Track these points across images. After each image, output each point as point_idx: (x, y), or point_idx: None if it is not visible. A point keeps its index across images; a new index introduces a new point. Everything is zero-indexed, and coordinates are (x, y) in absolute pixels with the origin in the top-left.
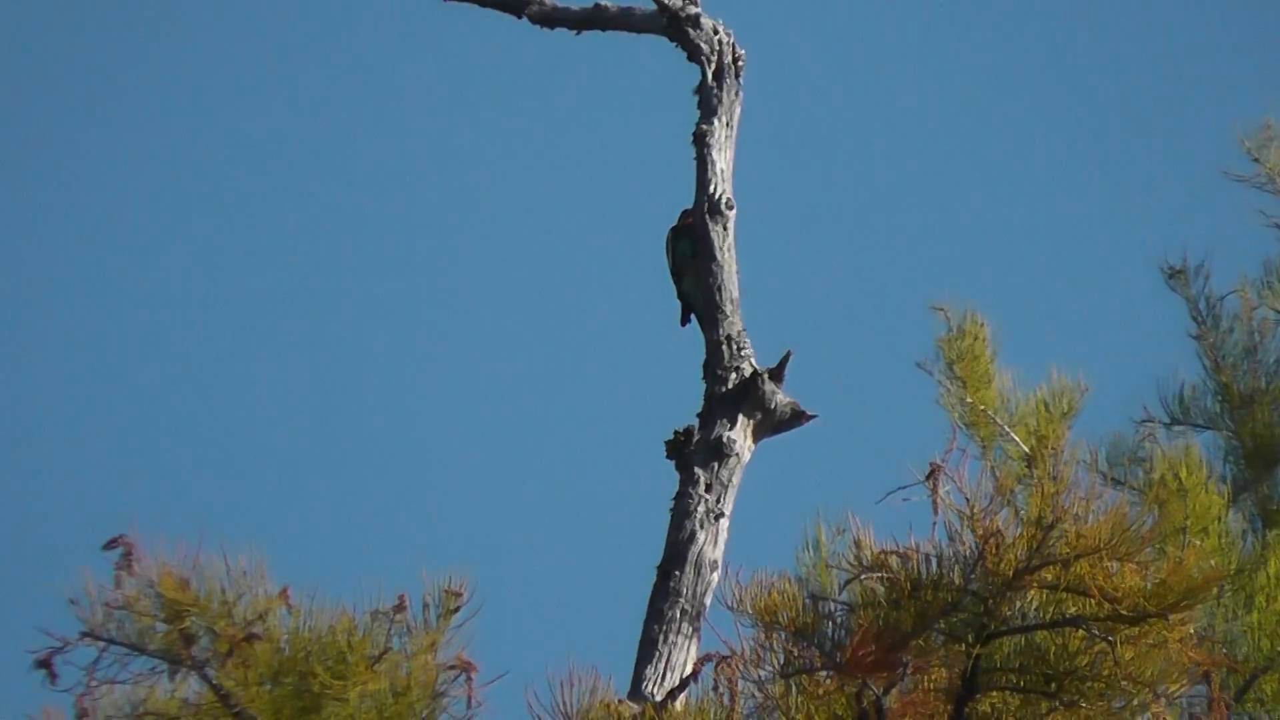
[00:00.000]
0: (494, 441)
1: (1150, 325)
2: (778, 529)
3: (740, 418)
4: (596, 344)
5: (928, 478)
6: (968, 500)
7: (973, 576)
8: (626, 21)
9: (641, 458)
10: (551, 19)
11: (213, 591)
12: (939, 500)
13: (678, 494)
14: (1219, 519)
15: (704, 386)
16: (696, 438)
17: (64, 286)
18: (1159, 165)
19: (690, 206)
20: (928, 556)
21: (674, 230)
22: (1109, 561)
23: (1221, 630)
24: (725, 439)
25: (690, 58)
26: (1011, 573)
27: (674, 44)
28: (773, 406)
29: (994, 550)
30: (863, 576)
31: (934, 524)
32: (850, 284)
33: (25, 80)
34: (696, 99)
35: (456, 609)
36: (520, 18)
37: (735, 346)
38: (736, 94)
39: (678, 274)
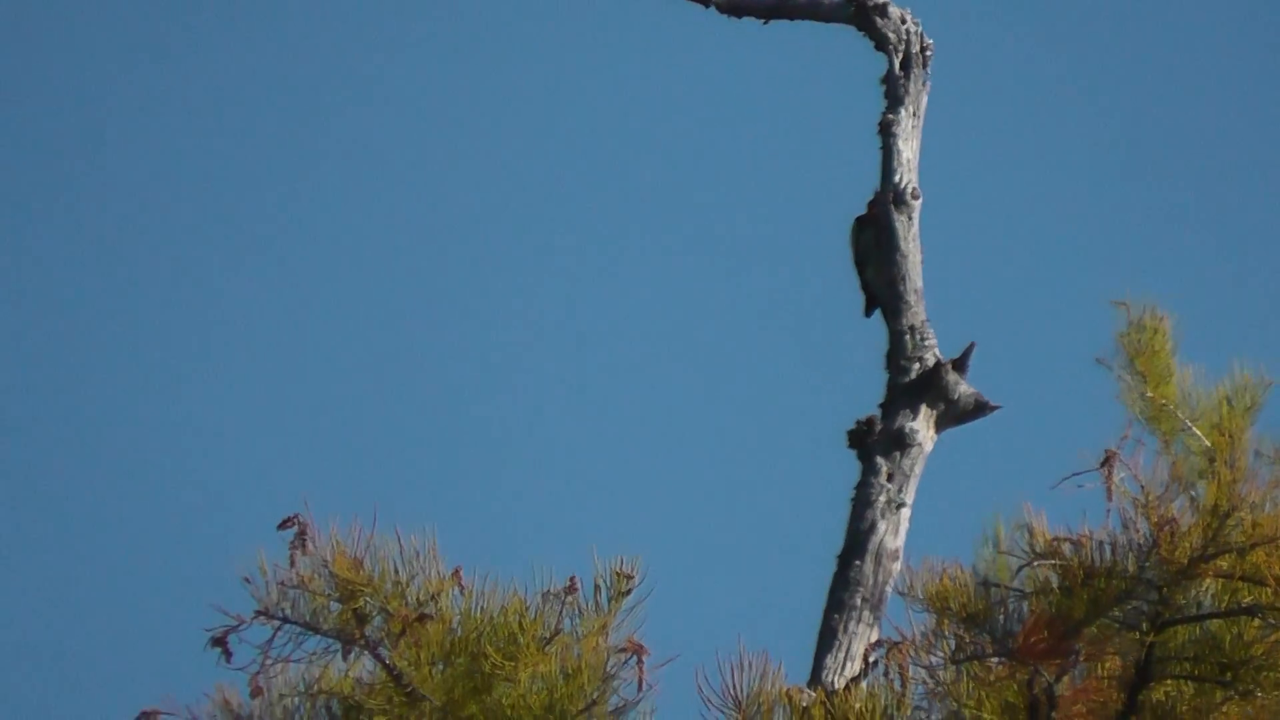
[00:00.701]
0: (677, 428)
1: None
2: (959, 520)
3: (923, 408)
4: (781, 332)
5: (1102, 465)
6: (1143, 488)
7: (1147, 564)
8: (814, 10)
9: (825, 447)
10: (739, 8)
11: (385, 572)
12: (1113, 488)
13: (859, 483)
14: None
15: (887, 376)
16: (879, 428)
17: (248, 286)
18: None
19: (876, 195)
20: (1101, 544)
21: (859, 220)
22: None
23: None
24: (908, 429)
25: (877, 47)
26: (1186, 561)
27: (861, 33)
28: (956, 397)
29: (1169, 538)
30: (1035, 563)
31: (1108, 512)
32: (1033, 275)
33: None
34: (883, 88)
35: (628, 591)
36: (708, 6)
37: (919, 337)
38: (924, 83)
39: (861, 263)
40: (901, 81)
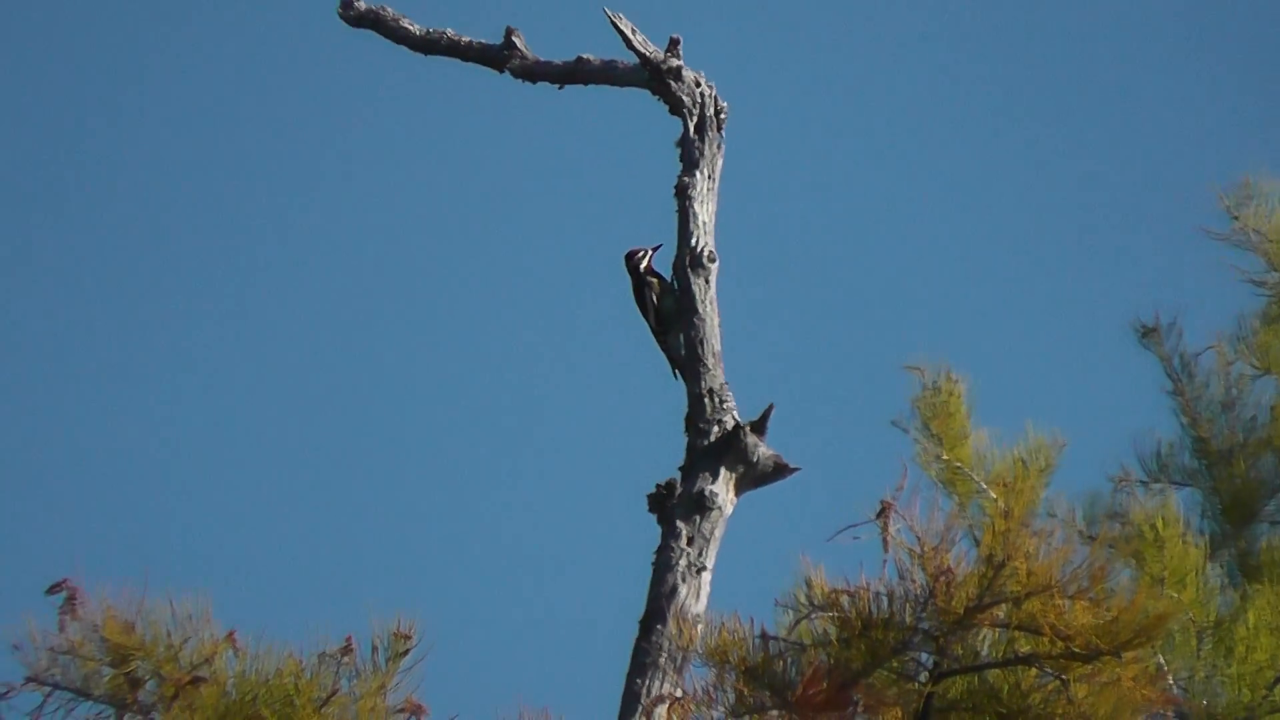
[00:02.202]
0: (472, 488)
1: (1126, 384)
2: (762, 581)
3: (723, 471)
4: (579, 396)
5: (878, 515)
6: (919, 538)
7: (924, 615)
8: (609, 75)
9: (624, 511)
10: (533, 73)
11: (158, 635)
12: (890, 539)
13: (659, 547)
14: (1196, 571)
15: (686, 439)
16: (679, 491)
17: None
18: (1133, 224)
19: (634, 247)
20: (879, 595)
21: (647, 285)
22: (1061, 599)
23: (1201, 679)
24: (707, 492)
25: (672, 111)
26: (963, 610)
27: (656, 97)
28: (755, 459)
29: (945, 588)
30: (813, 615)
31: (884, 563)
32: (832, 338)
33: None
34: (679, 151)
35: (406, 652)
36: (502, 72)
37: (717, 399)
38: (719, 146)
39: (663, 329)
40: (696, 144)
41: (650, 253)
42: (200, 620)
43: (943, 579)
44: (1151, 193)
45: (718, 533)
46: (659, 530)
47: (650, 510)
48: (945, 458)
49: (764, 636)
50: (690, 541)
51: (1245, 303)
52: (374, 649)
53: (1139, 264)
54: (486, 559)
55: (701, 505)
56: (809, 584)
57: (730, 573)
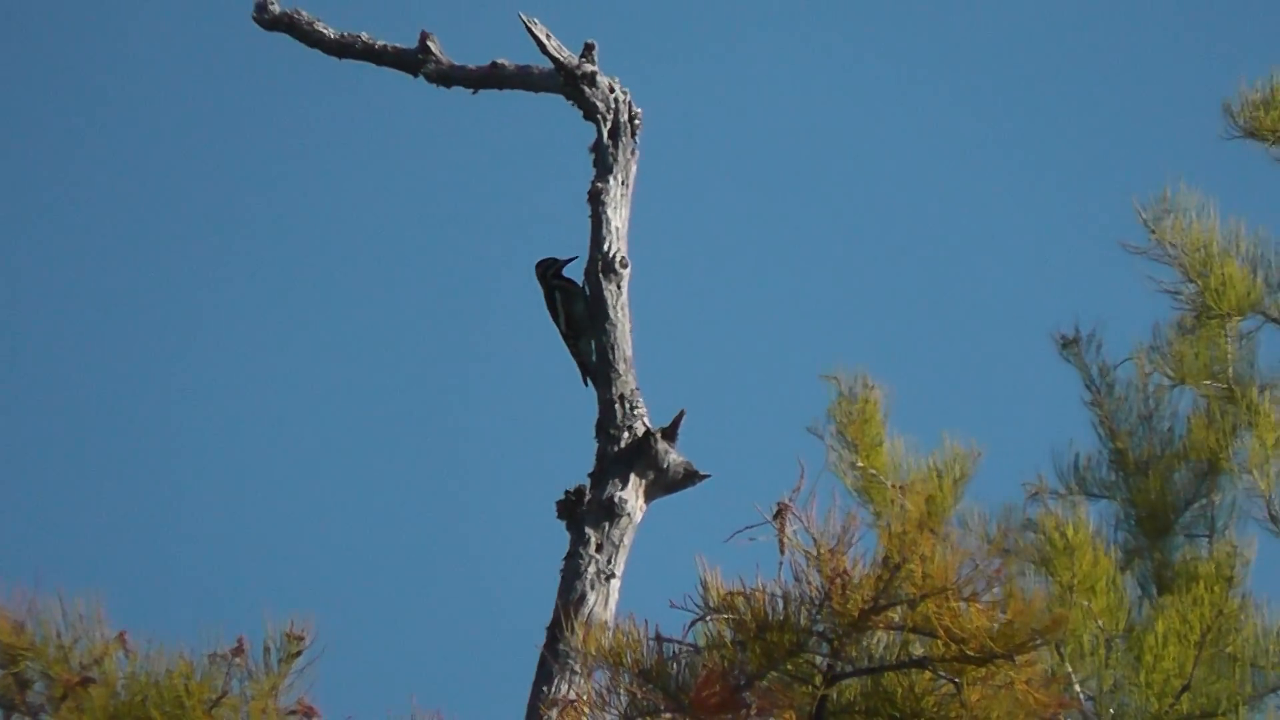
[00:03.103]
0: (378, 489)
1: (1046, 395)
2: (671, 589)
3: (633, 477)
4: (490, 402)
5: (775, 517)
6: (815, 540)
7: (819, 617)
8: (524, 80)
9: (533, 517)
10: (448, 78)
11: (48, 635)
12: (786, 540)
13: (568, 554)
14: (1107, 579)
15: (597, 446)
16: (588, 497)
17: None
18: (1053, 235)
19: (545, 258)
20: (774, 597)
21: (560, 289)
22: (955, 602)
23: (1109, 688)
24: (617, 499)
25: (586, 116)
26: (858, 613)
27: (571, 103)
28: (665, 466)
29: (840, 590)
30: (709, 617)
31: (781, 564)
32: (746, 344)
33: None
34: (592, 157)
35: (298, 653)
36: (416, 76)
37: (628, 405)
38: (633, 152)
39: (574, 334)
40: (610, 150)
41: (564, 263)
42: (91, 621)
43: (839, 581)
44: (1075, 203)
45: (627, 540)
46: (568, 537)
47: (559, 517)
48: (860, 465)
49: (659, 638)
50: (599, 548)
51: (1163, 314)
52: (266, 650)
53: (1059, 275)
54: (390, 562)
55: (611, 512)
56: (705, 586)
57: (639, 580)
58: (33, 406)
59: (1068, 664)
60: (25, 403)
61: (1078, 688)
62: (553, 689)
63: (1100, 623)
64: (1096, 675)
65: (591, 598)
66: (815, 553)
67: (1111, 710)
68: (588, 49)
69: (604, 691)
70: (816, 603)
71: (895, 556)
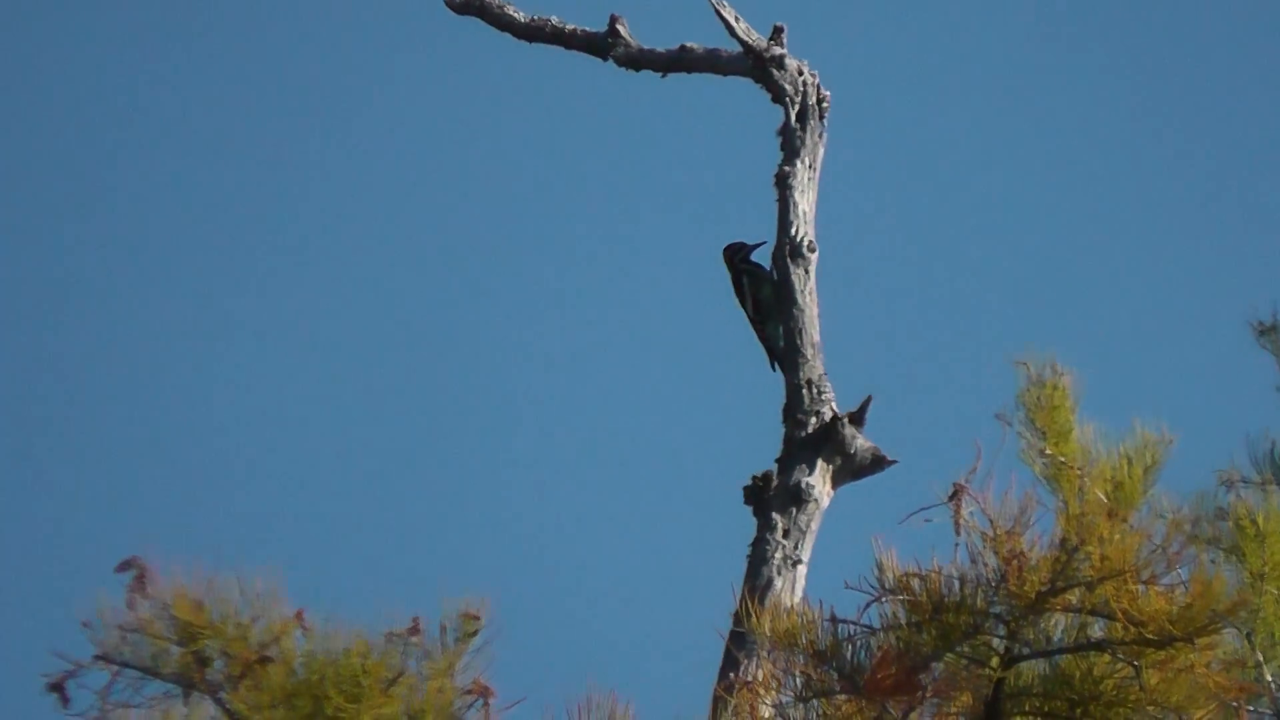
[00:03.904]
0: (567, 476)
1: (1240, 383)
2: (857, 575)
3: (820, 462)
4: (678, 387)
5: (950, 498)
6: (991, 521)
7: (995, 599)
8: (712, 63)
9: (720, 503)
10: (637, 61)
11: (227, 614)
12: (962, 522)
13: (755, 540)
14: None
15: (784, 431)
16: (775, 483)
17: (71, 304)
18: (1253, 220)
19: (731, 241)
20: (950, 579)
21: (748, 273)
22: (1134, 585)
23: None
24: (804, 484)
25: (774, 99)
26: (1035, 595)
27: (758, 85)
28: (853, 451)
29: (1017, 572)
30: (884, 599)
31: (957, 546)
32: (934, 330)
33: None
34: (780, 140)
35: (475, 633)
36: (606, 60)
37: (816, 390)
38: (820, 135)
39: (761, 318)
40: (798, 133)
41: (752, 248)
42: (269, 599)
43: (1015, 562)
44: (1274, 189)
45: (814, 525)
46: (755, 523)
47: (746, 503)
48: (1049, 452)
49: (834, 620)
50: (786, 534)
51: None
52: (442, 630)
53: (1257, 261)
54: (575, 546)
55: (798, 497)
56: (880, 567)
57: (826, 566)
58: (215, 383)
59: (1258, 652)
60: (211, 378)
61: (1269, 676)
62: (739, 674)
63: None
64: None
65: (778, 583)
66: (992, 534)
67: (1251, 677)
68: (776, 32)
69: (779, 673)
70: (993, 584)
71: (1073, 538)
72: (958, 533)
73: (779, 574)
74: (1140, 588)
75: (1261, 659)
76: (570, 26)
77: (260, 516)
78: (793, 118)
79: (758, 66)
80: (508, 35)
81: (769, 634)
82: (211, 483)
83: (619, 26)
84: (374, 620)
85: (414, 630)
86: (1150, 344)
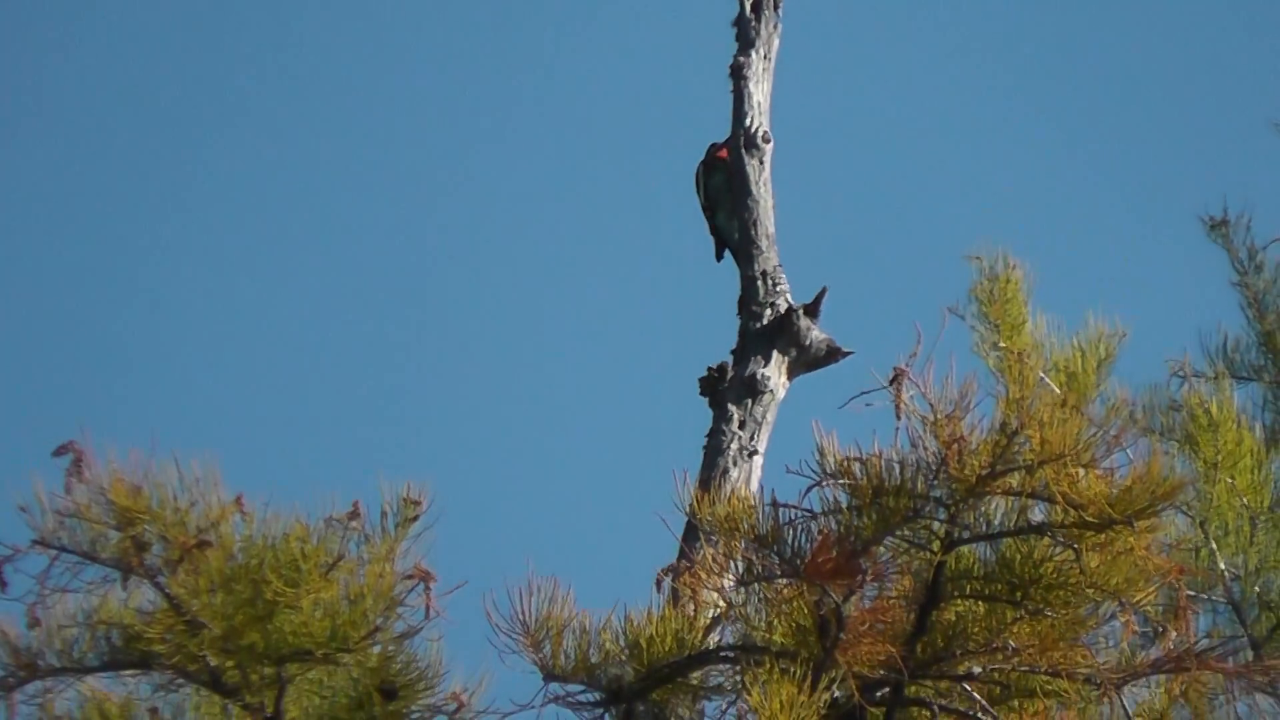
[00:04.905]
0: (516, 366)
1: (1192, 278)
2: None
3: (775, 354)
4: (630, 279)
5: (891, 382)
6: (932, 405)
7: (935, 483)
8: None
9: (676, 395)
10: None
11: (165, 499)
12: (902, 406)
13: (711, 431)
14: (1253, 456)
15: (739, 323)
16: (730, 375)
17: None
18: (1201, 114)
19: (718, 140)
20: (890, 463)
21: (704, 164)
22: (1074, 468)
23: (1254, 566)
24: (759, 375)
25: None
26: (975, 479)
27: None
28: (808, 343)
29: (957, 456)
30: (825, 483)
31: (897, 430)
32: (888, 222)
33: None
34: (734, 31)
35: (415, 518)
36: None
37: (770, 282)
38: (775, 26)
39: (711, 208)
40: (752, 24)
41: (722, 144)
42: (208, 484)
43: (955, 446)
44: (1224, 84)
45: (770, 416)
46: (711, 414)
47: (702, 394)
48: (1002, 345)
49: (774, 504)
50: (742, 425)
51: None
52: (383, 514)
53: (1208, 153)
54: (530, 438)
55: (753, 389)
56: (821, 452)
57: (782, 457)
58: (153, 271)
59: (1211, 541)
60: (149, 266)
61: (1222, 565)
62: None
63: (1245, 500)
64: (1241, 553)
65: (734, 474)
66: (932, 418)
67: (1256, 588)
68: None
69: (720, 558)
70: (933, 469)
71: (1012, 422)
72: (898, 417)
73: (735, 465)
74: (1080, 471)
75: (1215, 548)
76: None
77: (199, 401)
78: (747, 8)
79: None
80: None
81: (709, 519)
82: (149, 367)
83: None
84: (313, 505)
85: (354, 515)
86: (1103, 237)
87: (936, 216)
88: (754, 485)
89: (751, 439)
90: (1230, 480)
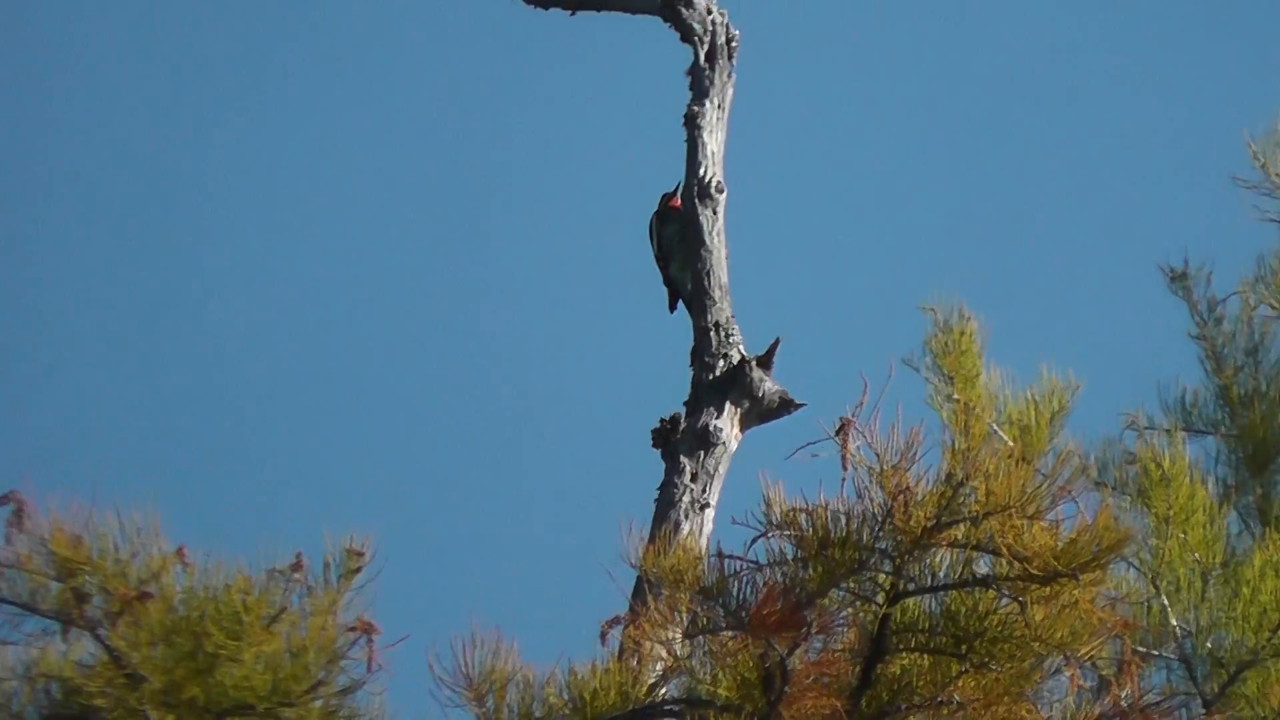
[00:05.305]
0: (468, 416)
1: (1151, 329)
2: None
3: (728, 405)
4: (584, 329)
5: (837, 432)
6: (878, 456)
7: (881, 534)
8: (621, 1)
9: (628, 446)
10: (545, 0)
11: (106, 549)
12: (849, 456)
13: (663, 484)
14: (1205, 511)
15: (691, 374)
16: (683, 426)
17: None
18: (1163, 166)
19: (670, 190)
20: (836, 514)
21: (658, 215)
22: (1019, 520)
23: (1206, 623)
24: (712, 427)
25: (683, 38)
26: (920, 530)
27: (667, 24)
28: (760, 394)
29: (903, 507)
30: (771, 534)
31: (843, 481)
32: (843, 273)
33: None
34: (689, 80)
35: (358, 569)
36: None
37: (724, 333)
38: (729, 75)
39: (665, 258)
40: (706, 73)
41: (674, 192)
42: (149, 534)
43: (901, 497)
44: (1186, 135)
45: (722, 469)
46: (663, 466)
47: (654, 446)
48: (956, 397)
49: (720, 555)
50: (694, 478)
51: (1270, 245)
52: (325, 566)
53: (1169, 206)
54: (482, 489)
55: (706, 441)
56: (768, 502)
57: (734, 509)
58: (94, 316)
59: (1163, 596)
60: (90, 312)
61: (1174, 621)
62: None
63: (1197, 555)
64: (1193, 609)
65: (686, 527)
66: (878, 469)
67: (1208, 645)
68: None
69: (666, 610)
70: (879, 520)
71: (958, 473)
72: (844, 468)
73: (686, 517)
74: (1026, 523)
75: (1167, 603)
76: None
77: (141, 450)
78: (701, 57)
79: (666, 4)
80: None
81: (655, 571)
82: (90, 415)
83: None
84: (256, 556)
85: (297, 566)
86: (1060, 289)
87: (892, 267)
88: (705, 538)
89: (704, 491)
90: (1182, 535)
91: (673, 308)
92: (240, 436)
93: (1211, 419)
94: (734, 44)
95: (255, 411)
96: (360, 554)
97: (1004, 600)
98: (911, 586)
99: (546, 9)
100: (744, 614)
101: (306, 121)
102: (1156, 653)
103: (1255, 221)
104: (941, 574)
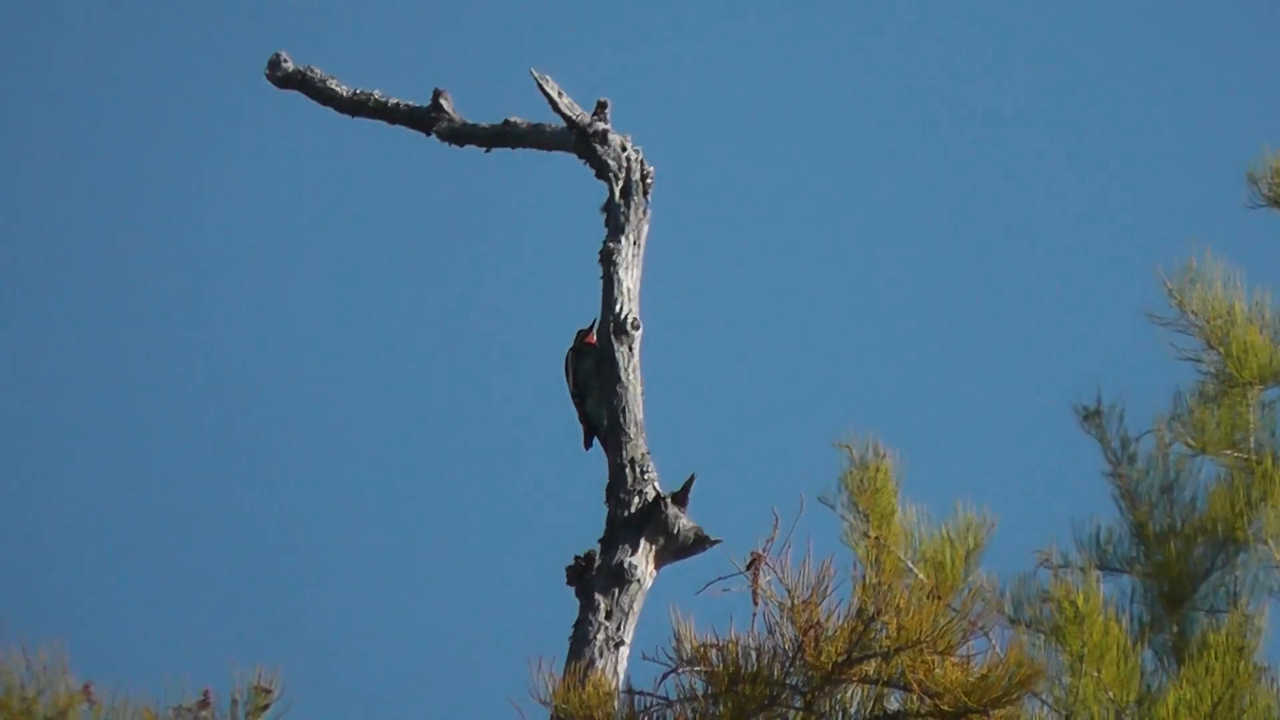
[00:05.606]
0: (381, 549)
1: (1065, 467)
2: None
3: (643, 542)
4: (498, 467)
5: (748, 567)
6: (789, 591)
7: (792, 670)
8: (536, 138)
9: (542, 583)
10: (460, 135)
11: (12, 687)
12: (759, 591)
13: (577, 621)
14: (1120, 649)
15: (607, 510)
16: (598, 563)
17: None
18: (1074, 304)
19: (586, 326)
20: (747, 649)
21: (573, 350)
22: (930, 655)
23: None
24: (627, 564)
25: (598, 174)
26: (831, 666)
27: (582, 160)
28: (676, 531)
29: (813, 642)
30: (682, 670)
31: (754, 616)
32: (759, 408)
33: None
34: (604, 216)
35: (266, 706)
36: (429, 135)
37: (639, 469)
38: (645, 211)
39: (580, 394)
40: (622, 210)
41: (590, 328)
42: (55, 672)
43: (812, 633)
44: (1097, 271)
45: (636, 606)
46: (578, 604)
47: (569, 583)
48: (872, 535)
49: (630, 691)
50: (609, 615)
51: (1186, 382)
52: (233, 703)
53: (1083, 344)
54: (390, 625)
55: (620, 578)
56: (678, 638)
57: (649, 646)
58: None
59: None
60: None
61: None
62: None
63: (1111, 693)
64: None
65: (600, 665)
66: (789, 603)
67: None
68: (600, 107)
69: None
70: (790, 655)
71: (869, 608)
72: (755, 602)
73: (601, 655)
74: (937, 659)
75: None
76: (393, 100)
77: (44, 586)
78: (616, 194)
79: (581, 141)
80: (330, 109)
81: (566, 709)
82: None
83: (442, 101)
84: (163, 693)
85: (204, 704)
86: (974, 426)
87: (808, 403)
88: (621, 676)
89: (618, 629)
90: (1097, 673)
91: (588, 444)
92: (144, 569)
93: (1126, 556)
94: (649, 180)
95: (158, 539)
96: (268, 690)
97: None
98: None
99: (462, 145)
100: None
101: (307, 120)
102: None
103: (1168, 356)
104: (853, 710)
